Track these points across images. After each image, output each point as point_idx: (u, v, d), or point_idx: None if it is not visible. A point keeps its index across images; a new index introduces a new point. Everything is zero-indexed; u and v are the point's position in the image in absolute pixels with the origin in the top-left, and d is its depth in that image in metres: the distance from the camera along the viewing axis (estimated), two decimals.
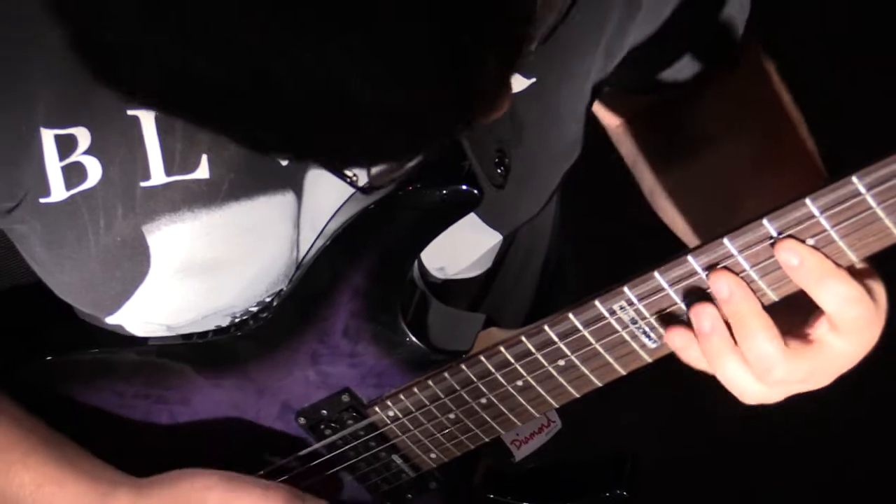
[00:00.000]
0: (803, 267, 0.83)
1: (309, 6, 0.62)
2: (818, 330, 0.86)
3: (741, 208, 0.95)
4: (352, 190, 1.00)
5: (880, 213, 0.81)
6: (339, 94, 0.65)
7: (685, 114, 1.14)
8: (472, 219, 1.03)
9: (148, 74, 0.68)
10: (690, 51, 1.09)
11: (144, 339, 1.09)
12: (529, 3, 0.69)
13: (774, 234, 0.86)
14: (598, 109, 1.20)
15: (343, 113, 0.66)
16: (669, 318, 0.93)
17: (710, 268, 0.89)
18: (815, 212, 0.83)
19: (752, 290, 0.88)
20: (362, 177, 0.85)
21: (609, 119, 1.21)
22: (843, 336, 0.85)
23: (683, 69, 1.11)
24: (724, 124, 1.11)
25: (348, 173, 0.86)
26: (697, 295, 0.91)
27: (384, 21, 0.63)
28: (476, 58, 0.67)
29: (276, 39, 0.63)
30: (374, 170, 0.80)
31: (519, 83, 0.99)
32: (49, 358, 1.12)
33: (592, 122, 1.12)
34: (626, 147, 1.21)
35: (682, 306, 0.91)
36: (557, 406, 1.04)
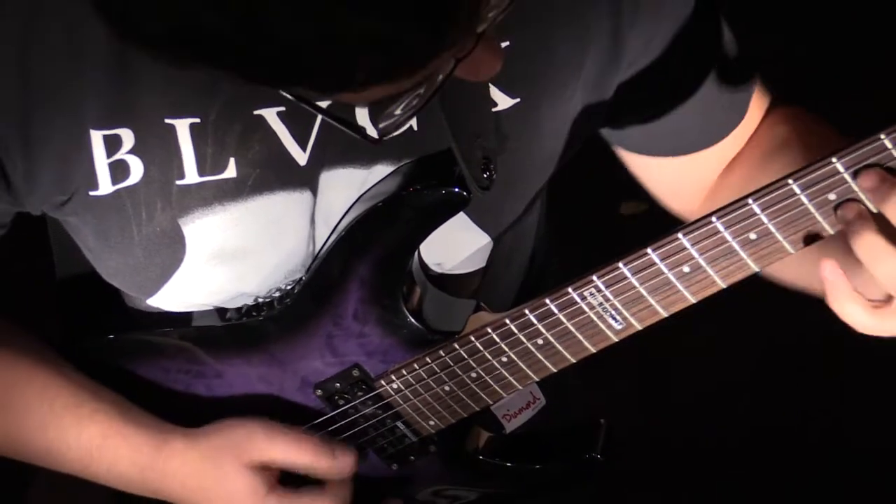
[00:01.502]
0: None
1: None
2: None
3: None
4: (361, 192, 1.01)
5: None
6: (330, 26, 0.64)
7: (749, 169, 1.08)
8: (463, 219, 1.03)
9: (161, 34, 0.67)
10: (692, 106, 1.04)
11: (188, 315, 1.09)
12: None
13: (720, 227, 0.86)
14: (675, 200, 1.14)
15: (333, 44, 0.65)
16: (632, 302, 0.93)
17: (671, 256, 0.89)
18: (757, 209, 0.83)
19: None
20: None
21: (688, 210, 1.14)
22: None
23: (692, 129, 1.06)
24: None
25: (364, 127, 0.83)
26: (656, 282, 0.91)
27: None
28: None
29: None
30: (382, 124, 0.78)
31: (504, 102, 0.99)
32: (111, 336, 1.12)
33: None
34: None
35: (643, 291, 0.92)
36: (538, 379, 1.03)
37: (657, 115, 1.04)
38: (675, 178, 1.11)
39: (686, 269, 0.89)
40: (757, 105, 1.07)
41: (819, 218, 0.84)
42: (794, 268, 0.93)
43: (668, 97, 1.03)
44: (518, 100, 0.99)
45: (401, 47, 0.67)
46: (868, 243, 0.80)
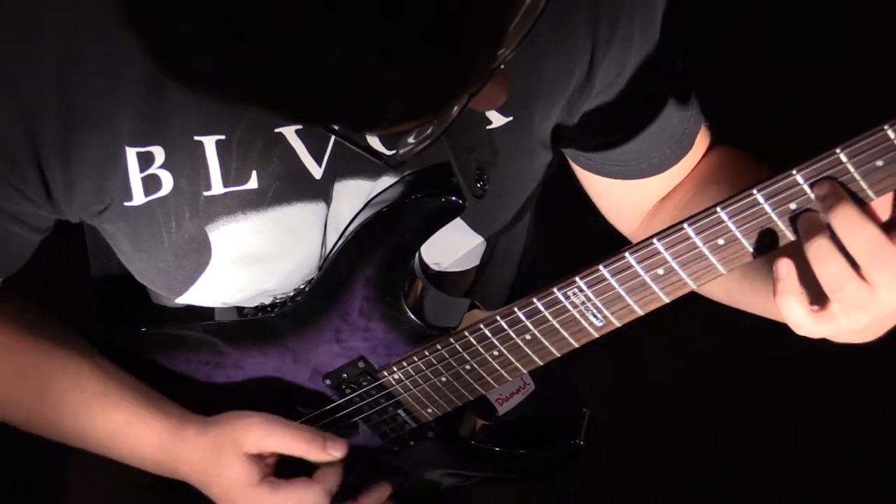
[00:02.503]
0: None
1: (351, 7, 0.61)
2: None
3: None
4: (367, 200, 1.01)
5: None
6: (364, 74, 0.64)
7: (684, 200, 1.08)
8: (459, 224, 1.03)
9: (205, 70, 0.66)
10: (650, 132, 1.04)
11: (210, 311, 1.09)
12: (505, 16, 0.68)
13: (691, 233, 0.87)
14: (616, 218, 1.14)
15: (367, 91, 0.65)
16: (611, 302, 0.93)
17: (646, 259, 0.89)
18: (725, 217, 0.84)
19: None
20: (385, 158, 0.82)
21: (626, 227, 1.15)
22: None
23: (649, 152, 1.05)
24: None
25: (381, 151, 0.82)
26: (633, 283, 0.91)
27: (399, 14, 0.62)
28: (468, 44, 0.66)
29: (314, 30, 0.61)
30: (400, 151, 0.77)
31: (498, 120, 0.99)
32: (143, 330, 1.13)
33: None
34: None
35: (621, 291, 0.92)
36: (525, 371, 1.04)
37: (613, 143, 1.04)
38: (621, 198, 1.11)
39: (660, 271, 0.90)
40: (700, 142, 1.07)
41: (780, 225, 0.84)
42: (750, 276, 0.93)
43: (625, 127, 1.03)
44: (510, 118, 1.00)
45: (428, 91, 0.67)
46: (817, 246, 0.80)
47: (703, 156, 1.08)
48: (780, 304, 0.83)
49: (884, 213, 0.80)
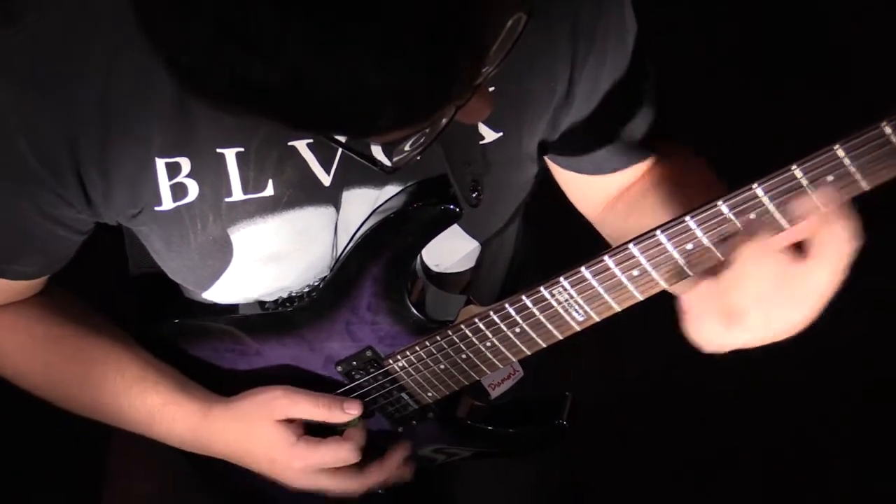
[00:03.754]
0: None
1: (350, 26, 0.62)
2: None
3: None
4: (374, 207, 1.00)
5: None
6: (360, 87, 0.64)
7: (635, 194, 1.08)
8: (457, 230, 1.03)
9: (221, 86, 0.66)
10: (619, 140, 1.04)
11: (234, 305, 1.09)
12: (487, 37, 0.69)
13: (663, 239, 0.86)
14: (581, 204, 1.14)
15: (358, 97, 0.65)
16: (591, 299, 0.93)
17: (623, 262, 0.89)
18: (693, 227, 0.83)
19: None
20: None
21: (590, 212, 1.15)
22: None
23: (617, 155, 1.06)
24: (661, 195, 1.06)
25: (380, 160, 0.83)
26: (611, 283, 0.90)
27: (396, 33, 0.62)
28: (452, 62, 0.66)
29: (315, 50, 0.62)
30: (395, 158, 0.79)
31: (490, 135, 0.99)
32: (176, 321, 1.12)
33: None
34: (607, 227, 1.13)
35: (600, 290, 0.91)
36: (515, 360, 1.03)
37: (587, 147, 1.04)
38: (588, 189, 1.10)
39: (635, 272, 0.89)
40: (661, 147, 1.07)
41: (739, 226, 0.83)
42: None
43: (599, 135, 1.04)
44: (501, 133, 0.99)
45: (415, 102, 0.67)
46: (728, 278, 0.79)
47: (666, 156, 1.08)
48: (692, 331, 0.82)
49: (795, 237, 0.80)
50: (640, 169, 1.07)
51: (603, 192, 1.10)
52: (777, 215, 0.80)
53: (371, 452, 1.13)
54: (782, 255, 0.78)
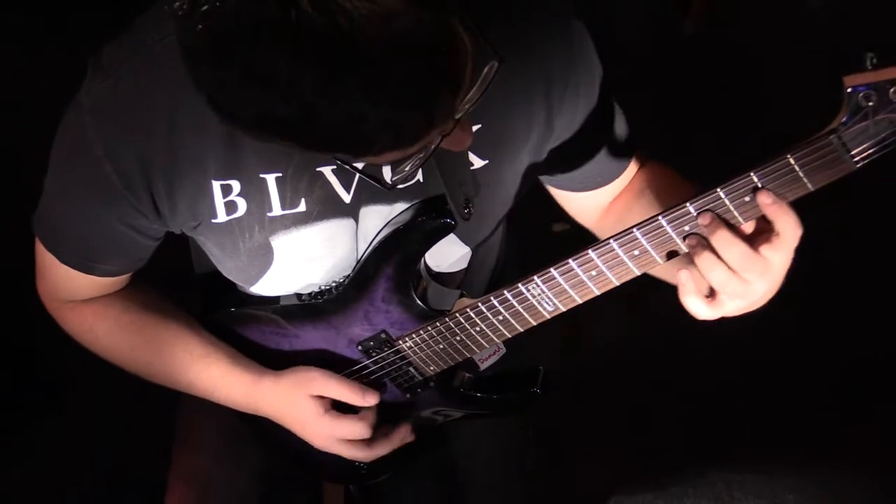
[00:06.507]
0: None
1: (347, 71, 0.62)
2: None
3: None
4: (386, 220, 0.98)
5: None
6: (358, 117, 0.64)
7: (621, 207, 1.06)
8: (452, 238, 1.00)
9: (249, 117, 0.67)
10: (599, 158, 1.02)
11: (276, 297, 1.06)
12: (464, 79, 0.69)
13: (615, 246, 0.83)
14: (580, 218, 1.10)
15: (361, 128, 0.65)
16: (559, 294, 0.90)
17: (584, 265, 0.86)
18: (639, 237, 0.80)
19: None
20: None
21: (589, 223, 1.11)
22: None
23: (600, 171, 1.03)
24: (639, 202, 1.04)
25: (385, 179, 0.83)
26: (574, 281, 0.88)
27: (385, 76, 0.63)
28: (433, 99, 0.66)
29: (322, 90, 0.63)
30: (396, 176, 0.78)
31: (478, 162, 0.96)
32: (231, 309, 1.10)
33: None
34: (605, 234, 1.08)
35: (566, 287, 0.89)
36: (499, 342, 1.01)
37: (573, 168, 1.02)
38: (582, 204, 1.08)
39: (594, 272, 0.87)
40: (634, 163, 1.05)
41: (678, 241, 0.81)
42: (660, 271, 0.90)
43: (580, 158, 1.01)
44: (487, 161, 0.96)
45: (404, 131, 0.67)
46: (704, 259, 0.79)
47: (639, 169, 1.06)
48: (683, 301, 0.82)
49: (749, 230, 0.80)
50: (625, 179, 1.05)
51: (596, 204, 1.07)
52: (736, 213, 0.78)
53: (383, 418, 1.10)
54: (743, 243, 0.78)
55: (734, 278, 0.78)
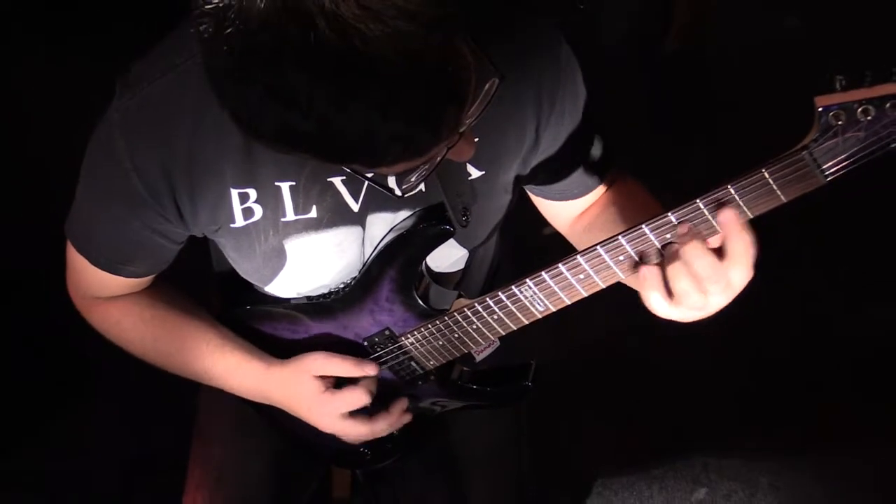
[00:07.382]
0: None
1: (361, 88, 0.62)
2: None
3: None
4: (391, 227, 0.98)
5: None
6: (371, 130, 0.64)
7: (592, 215, 1.06)
8: (451, 243, 1.00)
9: (268, 129, 0.67)
10: (576, 174, 1.02)
11: (288, 298, 1.06)
12: (468, 95, 0.69)
13: (601, 252, 0.83)
14: (554, 223, 1.10)
15: (369, 138, 0.65)
16: (549, 295, 0.90)
17: (573, 269, 0.86)
18: (624, 243, 0.80)
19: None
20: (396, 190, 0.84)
21: (561, 228, 1.11)
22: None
23: (576, 185, 1.03)
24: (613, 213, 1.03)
25: (393, 189, 0.83)
26: (563, 283, 0.88)
27: (396, 92, 0.63)
28: (440, 114, 0.66)
29: (337, 104, 0.62)
30: (403, 186, 0.78)
31: (475, 173, 0.96)
32: (248, 307, 1.10)
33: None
34: (574, 238, 1.10)
35: (556, 289, 0.89)
36: (493, 339, 1.01)
37: (552, 181, 1.02)
38: (559, 211, 1.08)
39: (581, 276, 0.87)
40: (608, 178, 1.04)
41: (659, 248, 0.81)
42: (634, 281, 0.90)
43: (560, 172, 1.01)
44: (483, 172, 0.96)
45: (413, 143, 0.67)
46: (674, 268, 0.78)
47: (611, 186, 1.06)
48: (645, 295, 0.82)
49: (715, 244, 0.79)
50: (597, 194, 1.05)
51: (569, 212, 1.07)
52: (713, 221, 0.78)
53: (386, 404, 1.10)
54: (712, 255, 0.77)
55: (696, 292, 0.78)
